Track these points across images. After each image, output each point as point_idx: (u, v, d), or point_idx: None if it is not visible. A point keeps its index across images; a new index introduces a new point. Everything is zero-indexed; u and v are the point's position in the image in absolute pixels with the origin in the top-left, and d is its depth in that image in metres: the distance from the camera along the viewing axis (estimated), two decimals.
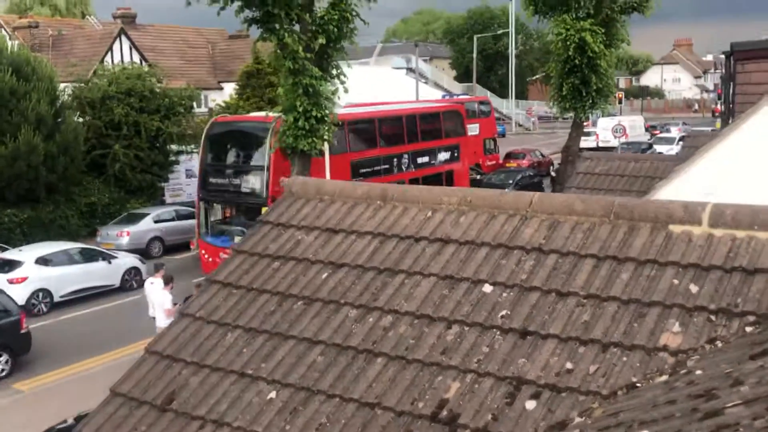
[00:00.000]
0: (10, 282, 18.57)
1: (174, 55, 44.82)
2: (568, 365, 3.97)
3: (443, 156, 27.30)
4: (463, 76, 78.20)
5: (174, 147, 30.42)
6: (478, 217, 5.05)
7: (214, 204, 21.59)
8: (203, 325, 5.15)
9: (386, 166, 24.24)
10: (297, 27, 16.90)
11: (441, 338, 4.39)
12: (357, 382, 4.31)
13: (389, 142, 25.06)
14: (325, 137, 18.10)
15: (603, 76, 25.73)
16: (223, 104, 36.38)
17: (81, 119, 28.25)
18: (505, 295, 4.50)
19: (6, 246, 21.44)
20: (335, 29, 16.85)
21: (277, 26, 16.10)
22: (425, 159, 26.17)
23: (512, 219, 4.95)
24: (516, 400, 3.90)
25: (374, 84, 45.03)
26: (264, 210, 17.40)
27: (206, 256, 21.09)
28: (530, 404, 3.86)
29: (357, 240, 5.33)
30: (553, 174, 33.88)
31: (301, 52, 16.18)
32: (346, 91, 18.01)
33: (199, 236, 21.54)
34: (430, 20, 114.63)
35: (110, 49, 38.37)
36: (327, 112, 17.62)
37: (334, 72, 17.94)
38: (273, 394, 4.43)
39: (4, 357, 15.29)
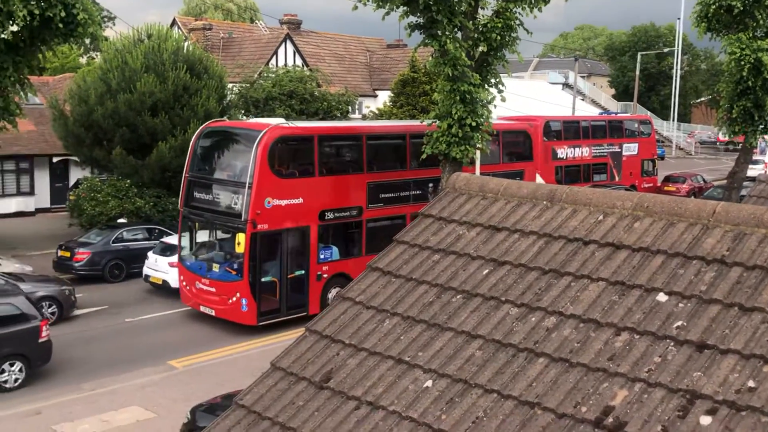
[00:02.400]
0: (171, 265, 19.73)
1: (333, 61, 46.24)
2: (751, 383, 3.68)
3: None
4: (621, 95, 75.70)
5: None
6: (654, 224, 4.81)
7: (197, 222, 18.43)
8: (362, 309, 5.21)
9: (417, 192, 20.27)
10: (459, 34, 16.93)
11: (608, 344, 4.20)
12: (516, 380, 4.20)
13: (422, 164, 20.36)
14: (479, 145, 18.01)
15: None
16: (376, 111, 37.13)
17: (245, 117, 29.69)
18: (681, 305, 4.24)
19: (170, 232, 22.81)
20: (498, 37, 16.75)
21: (440, 32, 16.21)
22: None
23: (692, 228, 4.67)
24: (689, 414, 3.66)
25: (528, 97, 44.40)
26: (240, 237, 16.40)
27: (184, 283, 18.38)
28: (705, 420, 3.61)
29: (521, 239, 5.21)
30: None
31: (463, 57, 16.18)
32: (503, 99, 17.86)
33: (179, 258, 18.74)
34: (591, 36, 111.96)
35: (275, 52, 40.14)
36: (482, 120, 17.53)
37: (493, 81, 17.82)
38: (429, 383, 4.40)
39: (17, 366, 13.92)
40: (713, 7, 23.71)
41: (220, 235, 18.28)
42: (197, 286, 17.75)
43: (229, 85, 29.58)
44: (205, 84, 26.22)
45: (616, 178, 34.81)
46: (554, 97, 57.22)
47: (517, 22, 17.20)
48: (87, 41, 24.82)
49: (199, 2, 59.41)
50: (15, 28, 19.42)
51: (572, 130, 34.26)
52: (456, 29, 16.81)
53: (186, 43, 29.65)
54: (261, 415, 4.66)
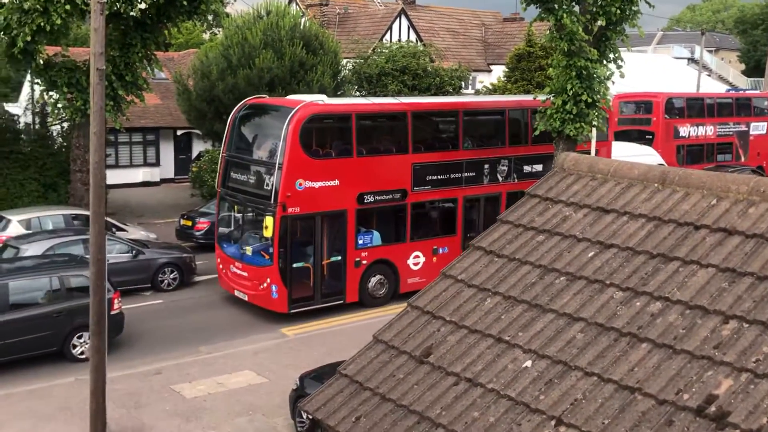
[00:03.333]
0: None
1: (448, 36, 45.91)
2: None
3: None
4: (752, 71, 71.46)
5: None
6: None
7: (232, 204, 17.71)
8: (463, 287, 5.27)
9: (471, 174, 18.68)
10: (576, 8, 16.48)
11: (715, 332, 4.09)
12: (618, 364, 4.16)
13: (481, 144, 19.37)
14: (594, 123, 17.54)
15: None
16: (490, 86, 36.69)
17: (358, 93, 30.03)
18: None
19: None
20: (617, 11, 16.18)
21: (556, 6, 15.82)
22: (537, 167, 19.65)
23: None
24: None
25: (651, 73, 42.67)
26: (269, 220, 15.56)
27: (221, 266, 17.77)
28: None
29: (629, 222, 5.12)
30: None
31: (580, 32, 15.75)
32: (622, 76, 17.28)
33: (216, 241, 18.22)
34: (720, 8, 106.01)
35: (389, 28, 40.25)
36: (599, 97, 17.04)
37: (612, 56, 17.26)
38: (528, 363, 4.42)
39: (84, 338, 13.54)
40: None
41: (254, 217, 17.28)
42: (232, 269, 17.14)
43: (344, 61, 29.95)
44: (320, 60, 26.65)
45: (742, 159, 33.08)
46: (678, 72, 54.72)
47: None
48: (210, 18, 25.70)
49: None
50: (143, 5, 20.38)
51: (696, 107, 32.75)
52: (573, 2, 16.36)
53: (303, 20, 30.22)
54: (362, 385, 4.82)
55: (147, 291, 18.19)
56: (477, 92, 38.72)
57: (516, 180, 19.24)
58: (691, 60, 60.52)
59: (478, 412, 4.28)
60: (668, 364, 4.03)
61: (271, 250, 15.99)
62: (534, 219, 5.56)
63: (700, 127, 31.77)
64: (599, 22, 16.33)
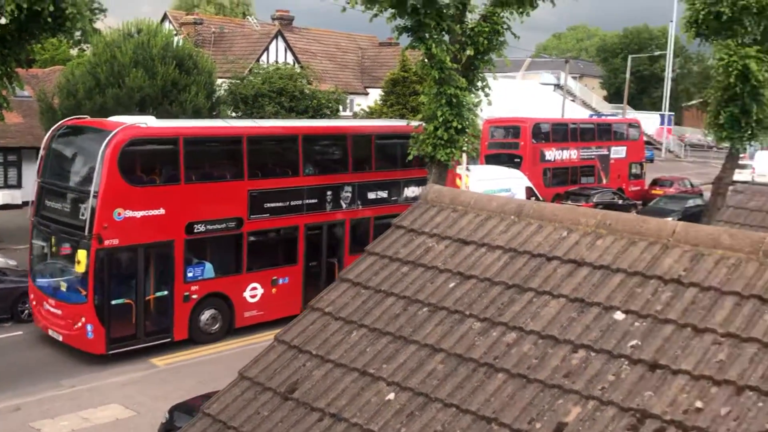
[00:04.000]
0: None
1: (325, 59, 46.22)
2: (698, 404, 3.78)
3: (411, 191, 20.09)
4: (613, 96, 75.99)
5: None
6: (615, 242, 4.91)
7: (47, 235, 16.31)
8: (330, 320, 5.29)
9: (313, 201, 18.29)
10: (446, 37, 17.00)
11: (565, 361, 4.30)
12: (475, 394, 4.29)
13: (322, 170, 19.06)
14: (464, 148, 18.10)
15: (766, 107, 24.30)
16: (367, 109, 37.19)
17: (234, 114, 29.68)
18: (637, 324, 4.34)
19: None
20: (485, 41, 16.83)
21: (427, 35, 16.27)
22: (382, 194, 19.65)
23: (652, 247, 4.77)
24: None
25: (520, 98, 44.54)
26: (81, 254, 14.47)
27: (35, 303, 16.44)
28: None
29: (487, 253, 5.30)
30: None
31: (448, 62, 16.27)
32: (489, 103, 17.96)
33: (29, 275, 16.84)
34: (584, 37, 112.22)
35: (266, 49, 40.10)
36: (467, 123, 17.62)
37: (480, 84, 17.91)
38: (392, 396, 4.49)
39: None
40: (702, 13, 23.84)
41: (69, 250, 15.80)
42: (45, 306, 15.90)
43: (219, 81, 29.58)
44: (194, 80, 26.22)
45: (604, 181, 35.02)
46: (545, 98, 57.41)
47: (505, 26, 17.28)
48: (77, 34, 24.76)
49: None
50: (3, 21, 19.42)
51: (561, 132, 34.46)
52: (444, 32, 16.87)
53: (176, 38, 29.62)
54: (226, 425, 4.74)
55: (6, 321, 17.20)
56: (355, 115, 39.16)
57: (360, 207, 19.07)
58: (557, 86, 63.61)
59: None
60: (522, 394, 4.20)
61: (83, 286, 14.79)
62: (399, 250, 5.67)
63: (565, 151, 33.42)
64: (468, 52, 16.93)
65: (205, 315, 16.47)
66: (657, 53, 71.46)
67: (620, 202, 31.07)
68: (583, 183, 33.77)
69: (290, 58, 40.26)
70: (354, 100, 44.27)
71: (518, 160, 31.25)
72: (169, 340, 15.97)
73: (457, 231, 5.58)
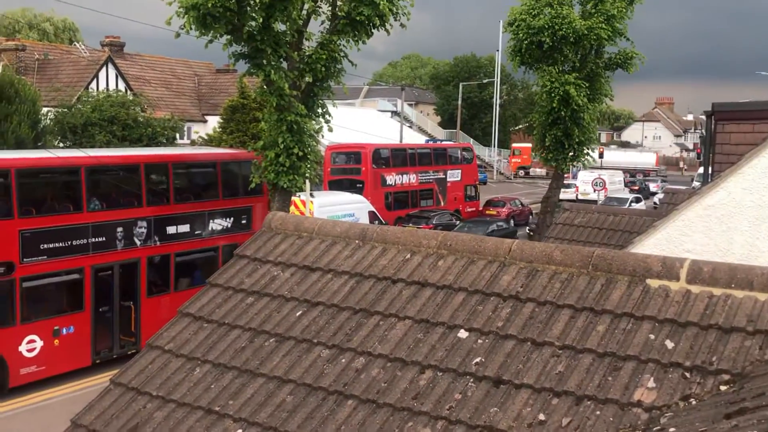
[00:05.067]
0: None
1: (160, 86, 44.91)
2: (541, 416, 3.91)
3: (219, 224, 18.99)
4: (447, 122, 78.95)
5: None
6: (456, 262, 5.02)
7: None
8: (171, 358, 5.04)
9: (100, 239, 16.45)
10: (284, 64, 17.00)
11: (413, 383, 4.32)
12: (325, 424, 4.22)
13: (111, 204, 17.26)
14: (307, 175, 18.09)
15: (585, 129, 26.15)
16: (205, 137, 36.39)
17: (62, 144, 28.09)
18: (480, 341, 4.45)
19: None
20: (323, 68, 16.96)
21: (265, 62, 16.18)
22: (183, 228, 18.19)
23: (491, 265, 4.92)
24: None
25: (359, 125, 45.29)
26: None
27: None
28: None
29: (333, 279, 5.27)
30: (528, 230, 33.80)
31: (287, 89, 16.24)
32: (330, 129, 18.09)
33: None
34: (418, 65, 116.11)
35: (96, 76, 38.38)
36: (309, 149, 17.65)
37: (320, 111, 18.01)
38: None
39: None
40: (525, 42, 25.37)
41: None
42: None
43: (45, 110, 27.93)
44: (16, 109, 24.61)
45: (442, 203, 36.20)
46: (383, 124, 58.73)
47: (342, 54, 17.51)
48: None
49: (12, 21, 55.79)
50: None
51: (400, 157, 35.33)
52: (281, 59, 16.85)
53: None
54: None
55: None
56: (193, 143, 38.22)
57: (158, 243, 17.52)
58: (394, 113, 65.31)
59: None
60: (372, 419, 4.17)
61: None
62: (243, 280, 5.51)
63: (404, 176, 34.28)
64: (306, 79, 16.99)
65: None
66: (485, 81, 75.15)
67: (458, 223, 32.19)
68: (423, 206, 34.74)
69: (122, 85, 38.75)
70: (192, 127, 43.24)
71: (360, 185, 31.69)
72: None
73: (303, 258, 5.51)
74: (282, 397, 4.48)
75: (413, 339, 4.59)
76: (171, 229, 17.77)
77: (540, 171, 68.15)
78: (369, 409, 4.23)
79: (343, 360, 4.61)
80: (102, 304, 16.47)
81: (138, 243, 17.05)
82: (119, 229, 16.71)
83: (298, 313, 5.07)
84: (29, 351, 15.14)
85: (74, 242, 15.85)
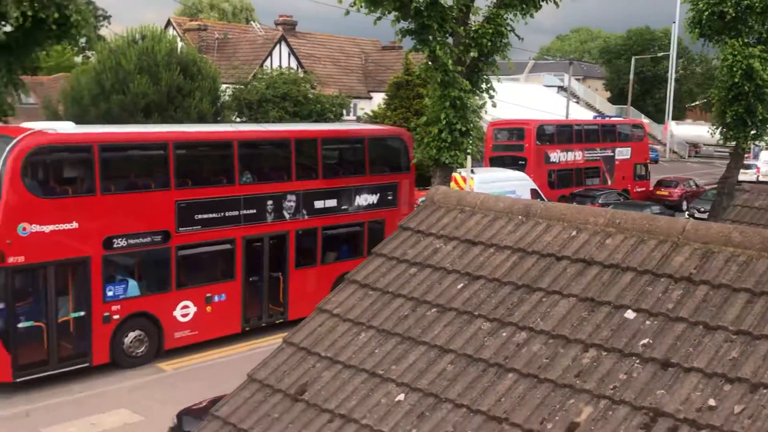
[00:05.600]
0: None
1: (329, 63, 46.30)
2: (711, 402, 3.76)
3: (365, 199, 18.98)
4: (616, 98, 75.88)
5: None
6: (625, 241, 4.88)
7: None
8: (338, 322, 5.28)
9: (251, 212, 16.83)
10: (450, 39, 17.01)
11: (576, 360, 4.28)
12: (486, 394, 4.28)
13: (262, 178, 17.62)
14: (468, 151, 18.09)
15: None
16: (370, 113, 37.20)
17: (238, 119, 29.73)
18: (648, 323, 4.32)
19: None
20: (488, 43, 16.82)
21: (430, 38, 16.27)
22: (331, 203, 18.34)
23: (662, 245, 4.75)
24: None
25: (523, 101, 44.52)
26: None
27: None
28: None
29: (495, 253, 5.29)
30: (687, 214, 31.76)
31: (451, 65, 16.26)
32: (494, 105, 17.95)
33: None
34: (587, 39, 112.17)
35: (270, 54, 40.18)
36: (472, 125, 17.61)
37: (484, 86, 17.90)
38: (401, 397, 4.47)
39: None
40: (706, 13, 23.86)
41: None
42: None
43: (223, 87, 29.62)
44: (198, 85, 26.24)
45: (609, 182, 34.94)
46: (549, 99, 57.38)
47: (508, 28, 17.28)
48: (82, 41, 24.84)
49: (195, 2, 59.42)
50: (8, 28, 19.46)
51: (565, 133, 34.40)
52: (447, 35, 16.87)
53: (180, 44, 29.68)
54: (236, 427, 4.73)
55: None
56: (358, 119, 39.20)
57: (306, 216, 17.71)
58: (561, 88, 63.60)
59: None
60: (533, 394, 4.18)
61: None
62: (407, 252, 5.65)
63: (569, 153, 33.36)
64: (471, 54, 16.92)
65: (129, 337, 15.16)
66: (660, 54, 71.37)
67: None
68: (588, 185, 33.70)
69: (294, 63, 40.34)
70: (357, 104, 44.32)
71: (523, 162, 31.20)
72: (87, 365, 14.66)
73: (465, 232, 5.56)
74: (443, 366, 4.58)
75: (577, 317, 4.54)
76: (319, 204, 18.00)
77: (709, 149, 64.54)
78: (530, 383, 4.24)
79: (504, 334, 4.64)
80: (252, 274, 16.99)
81: (287, 216, 17.38)
82: (269, 202, 17.05)
83: (459, 286, 5.15)
84: (183, 316, 15.90)
85: (226, 214, 16.34)
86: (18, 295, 13.75)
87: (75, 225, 14.07)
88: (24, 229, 13.54)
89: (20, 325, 13.77)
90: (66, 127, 15.17)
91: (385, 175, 19.51)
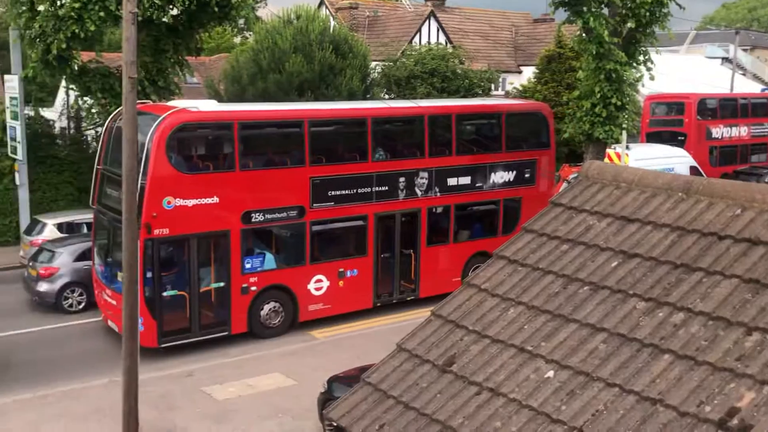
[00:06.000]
0: None
1: (477, 38, 45.81)
2: None
3: (501, 177, 18.44)
4: None
5: None
6: None
7: (105, 223, 15.73)
8: (486, 296, 5.31)
9: (383, 188, 16.77)
10: (605, 10, 16.42)
11: (738, 344, 4.08)
12: (639, 375, 4.18)
13: (395, 155, 17.57)
14: (624, 126, 17.44)
15: None
16: (519, 88, 36.57)
17: (387, 96, 30.11)
18: None
19: None
20: (647, 13, 16.11)
21: (585, 9, 15.78)
22: (464, 180, 17.92)
23: None
24: None
25: (684, 73, 42.17)
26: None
27: (97, 292, 16.20)
28: None
29: (653, 231, 5.11)
30: None
31: (606, 36, 15.69)
32: (651, 78, 17.19)
33: (93, 266, 16.38)
34: (757, 6, 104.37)
35: (419, 30, 40.28)
36: (627, 99, 16.95)
37: (641, 58, 17.16)
38: (551, 374, 4.45)
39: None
40: None
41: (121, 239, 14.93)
42: (103, 296, 15.64)
43: (373, 64, 30.06)
44: (349, 63, 26.77)
45: None
46: (711, 72, 54.01)
47: None
48: (240, 22, 25.99)
49: None
50: (175, 11, 20.69)
51: (729, 108, 32.33)
52: (602, 5, 16.30)
53: (332, 23, 30.39)
54: (386, 393, 4.88)
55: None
56: (507, 94, 38.66)
57: (439, 194, 17.47)
58: (725, 59, 59.69)
59: (499, 421, 4.32)
60: (690, 376, 4.03)
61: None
62: (558, 228, 5.58)
63: (734, 128, 31.36)
64: (629, 25, 16.26)
65: (266, 308, 15.69)
66: None
67: None
68: (754, 162, 31.57)
69: (442, 39, 40.24)
70: (506, 78, 43.65)
71: (682, 138, 29.64)
72: (226, 333, 15.26)
73: (620, 208, 5.41)
74: (595, 345, 4.51)
75: (739, 299, 4.32)
76: (452, 181, 17.66)
77: None
78: (686, 366, 4.10)
79: (660, 314, 4.49)
80: (384, 250, 17.08)
81: (419, 193, 17.22)
82: (401, 179, 16.96)
83: (613, 264, 5.03)
84: (317, 290, 16.16)
85: (359, 190, 16.44)
86: (163, 265, 14.40)
87: (216, 200, 14.58)
88: (168, 202, 14.16)
89: (165, 293, 14.46)
90: (208, 106, 15.79)
91: (523, 152, 18.85)
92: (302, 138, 15.80)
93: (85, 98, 21.75)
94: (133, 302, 10.62)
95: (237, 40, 50.38)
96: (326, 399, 11.09)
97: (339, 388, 10.82)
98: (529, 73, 39.49)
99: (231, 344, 15.29)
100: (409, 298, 17.49)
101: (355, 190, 16.36)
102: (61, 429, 11.59)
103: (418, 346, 5.12)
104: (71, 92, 23.97)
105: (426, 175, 17.21)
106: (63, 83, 28.75)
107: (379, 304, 17.24)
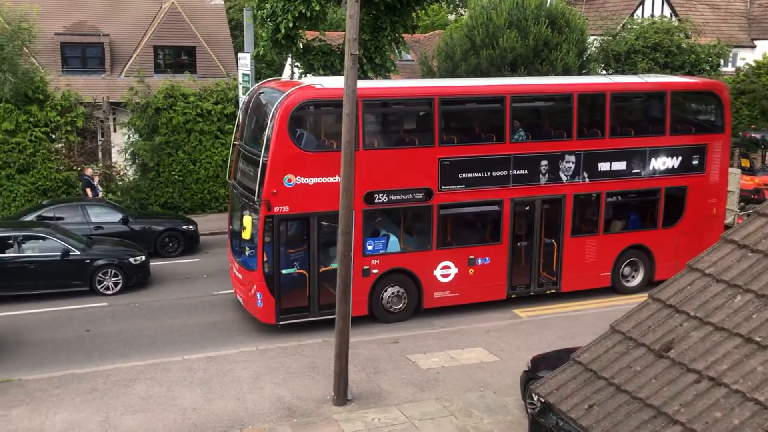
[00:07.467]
0: None
1: (706, 10, 42.66)
2: None
3: (663, 162, 16.77)
4: None
5: None
6: None
7: (236, 198, 15.90)
8: (711, 282, 5.02)
9: (522, 172, 15.74)
10: None
11: None
12: None
13: (537, 136, 16.35)
14: None
15: None
16: (753, 64, 33.64)
17: (604, 72, 28.97)
18: None
19: None
20: None
21: None
22: (618, 165, 16.46)
23: None
24: None
25: None
26: (247, 220, 13.54)
27: (230, 265, 16.50)
28: None
29: None
30: None
31: None
32: None
33: (229, 243, 16.65)
34: None
35: (641, 3, 38.26)
36: None
37: None
38: None
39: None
40: None
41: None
42: (233, 270, 16.00)
43: (591, 39, 29.02)
44: (565, 38, 26.03)
45: None
46: None
47: None
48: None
49: None
50: None
51: None
52: None
53: None
54: (597, 374, 4.79)
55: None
56: (737, 71, 35.77)
57: (587, 179, 16.19)
58: None
59: (720, 412, 4.09)
60: None
61: (255, 253, 14.30)
62: None
63: None
64: None
65: (388, 292, 15.27)
66: None
67: None
68: None
69: (667, 11, 37.95)
70: (737, 54, 40.32)
71: None
72: None
73: None
74: None
75: None
76: (603, 166, 16.34)
77: None
78: None
79: None
80: (521, 239, 16.15)
81: (564, 178, 16.10)
82: (543, 163, 15.87)
83: None
84: (444, 276, 15.50)
85: (494, 173, 15.57)
86: (282, 243, 14.34)
87: (337, 179, 13.22)
88: (289, 180, 14.03)
89: (284, 271, 14.40)
90: (334, 83, 14.89)
91: (691, 136, 17.15)
92: (432, 117, 15.17)
93: (308, 75, 23.03)
94: (347, 268, 11.20)
95: (452, 17, 50.83)
96: (529, 378, 11.05)
97: (543, 367, 10.72)
98: (765, 47, 36.21)
99: (435, 316, 15.65)
100: (549, 291, 16.52)
101: (489, 173, 15.55)
102: (279, 380, 12.53)
103: (633, 328, 4.96)
104: (296, 69, 25.48)
105: (573, 158, 16.05)
106: (289, 61, 30.64)
107: (513, 296, 16.28)
